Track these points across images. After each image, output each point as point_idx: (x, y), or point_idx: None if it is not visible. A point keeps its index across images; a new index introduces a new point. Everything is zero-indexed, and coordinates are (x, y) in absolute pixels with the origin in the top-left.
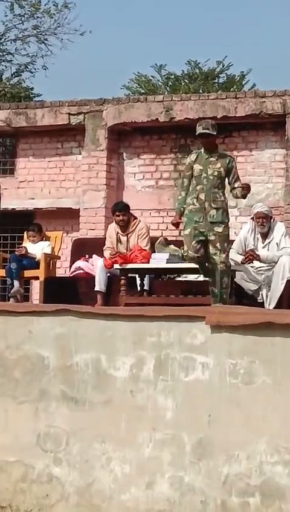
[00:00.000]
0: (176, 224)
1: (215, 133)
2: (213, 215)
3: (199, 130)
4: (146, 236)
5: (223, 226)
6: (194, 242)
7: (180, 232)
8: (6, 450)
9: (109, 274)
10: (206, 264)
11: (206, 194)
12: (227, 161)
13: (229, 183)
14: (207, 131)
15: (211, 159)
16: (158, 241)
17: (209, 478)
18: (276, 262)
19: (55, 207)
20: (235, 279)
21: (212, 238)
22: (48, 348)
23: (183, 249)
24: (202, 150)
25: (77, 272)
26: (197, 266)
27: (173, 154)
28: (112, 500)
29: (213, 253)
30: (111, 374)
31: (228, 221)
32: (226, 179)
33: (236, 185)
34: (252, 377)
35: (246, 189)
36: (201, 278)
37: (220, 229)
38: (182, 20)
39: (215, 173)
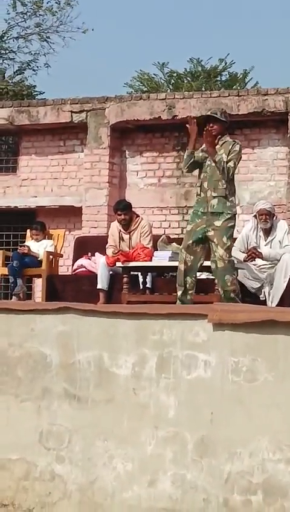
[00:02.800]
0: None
1: (224, 120)
2: (213, 205)
3: (208, 113)
4: (148, 234)
5: (222, 219)
6: (191, 242)
7: (182, 230)
8: (8, 448)
9: (111, 272)
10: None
11: (209, 182)
12: (230, 145)
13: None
14: (215, 115)
15: (216, 146)
16: (160, 239)
17: (211, 476)
18: (278, 260)
19: (57, 205)
20: (237, 277)
21: (211, 233)
22: (50, 346)
23: (182, 244)
24: None
25: (79, 270)
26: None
27: (176, 152)
28: (114, 497)
29: (213, 249)
30: (113, 371)
31: (232, 213)
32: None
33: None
34: (255, 375)
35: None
36: (203, 275)
37: (219, 223)
38: (184, 18)
39: (217, 159)
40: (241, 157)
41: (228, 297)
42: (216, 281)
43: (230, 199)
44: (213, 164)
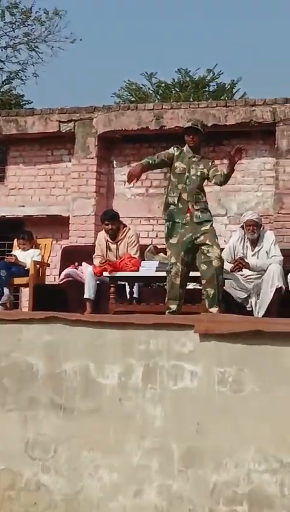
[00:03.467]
0: (132, 176)
1: (202, 131)
2: (199, 216)
3: (187, 124)
4: (136, 244)
5: (209, 224)
6: (182, 253)
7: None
8: None
9: (98, 282)
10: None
11: (189, 195)
12: (209, 163)
13: (209, 178)
14: (196, 126)
15: (193, 159)
16: (148, 249)
17: (197, 486)
18: (265, 271)
19: (45, 214)
20: (224, 287)
21: (201, 238)
22: (37, 355)
23: (170, 260)
24: (185, 148)
25: (66, 280)
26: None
27: None
28: (99, 508)
29: (206, 250)
30: (100, 381)
31: (212, 221)
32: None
33: (217, 173)
34: (241, 386)
35: (230, 167)
36: (191, 286)
37: (207, 227)
38: (173, 29)
39: (199, 173)
40: None
41: (216, 295)
42: (204, 281)
43: (209, 210)
44: (194, 177)
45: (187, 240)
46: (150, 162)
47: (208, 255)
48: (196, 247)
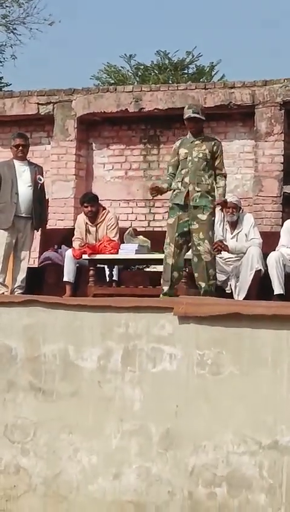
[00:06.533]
0: (154, 189)
1: (204, 118)
2: (196, 199)
3: (189, 113)
4: (115, 227)
5: (207, 213)
6: (176, 235)
7: (149, 223)
8: None
9: (77, 264)
10: (177, 271)
11: (191, 177)
12: (213, 143)
13: (216, 167)
14: (197, 115)
15: (196, 142)
16: (127, 231)
17: (176, 469)
18: (244, 253)
19: None
20: None
21: (195, 226)
22: (16, 338)
23: (166, 241)
24: (188, 135)
25: (45, 263)
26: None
27: (143, 145)
28: (79, 490)
29: (197, 243)
30: (79, 364)
31: (214, 207)
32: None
33: (221, 184)
34: (220, 368)
35: (223, 205)
36: (151, 268)
37: (204, 217)
38: (151, 10)
39: (201, 155)
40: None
41: (208, 290)
42: (196, 274)
43: (211, 194)
44: (196, 159)
45: (183, 222)
46: (168, 179)
47: (198, 248)
48: (190, 232)
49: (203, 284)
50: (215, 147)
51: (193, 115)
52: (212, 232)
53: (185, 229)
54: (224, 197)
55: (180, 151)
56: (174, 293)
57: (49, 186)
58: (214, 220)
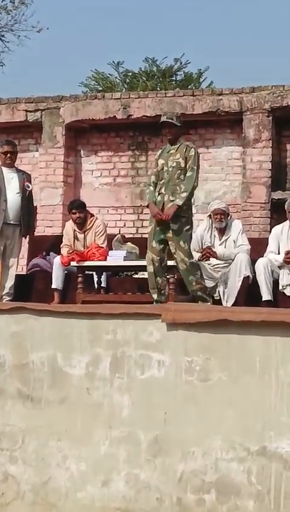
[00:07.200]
0: (158, 214)
1: (179, 125)
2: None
3: (163, 118)
4: (103, 234)
5: (179, 222)
6: (154, 242)
7: (137, 230)
8: None
9: (66, 271)
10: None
11: (166, 187)
12: (184, 149)
13: (186, 170)
14: (171, 120)
15: (171, 151)
16: (115, 238)
17: (165, 475)
18: (233, 260)
19: None
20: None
21: (170, 235)
22: (4, 346)
23: (147, 246)
24: (167, 144)
25: (34, 270)
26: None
27: (131, 152)
28: (67, 498)
29: (173, 251)
30: (67, 371)
31: (188, 215)
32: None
33: (182, 188)
34: (208, 374)
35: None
36: (140, 275)
37: (175, 226)
38: (139, 17)
39: (174, 164)
40: (199, 162)
41: (195, 295)
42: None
43: (187, 202)
44: (171, 169)
45: (159, 230)
46: (150, 195)
47: (174, 256)
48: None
49: (189, 289)
50: (186, 152)
51: (164, 119)
52: (189, 240)
53: (162, 236)
54: (180, 204)
55: (159, 162)
56: (168, 299)
57: (37, 193)
58: (189, 228)
